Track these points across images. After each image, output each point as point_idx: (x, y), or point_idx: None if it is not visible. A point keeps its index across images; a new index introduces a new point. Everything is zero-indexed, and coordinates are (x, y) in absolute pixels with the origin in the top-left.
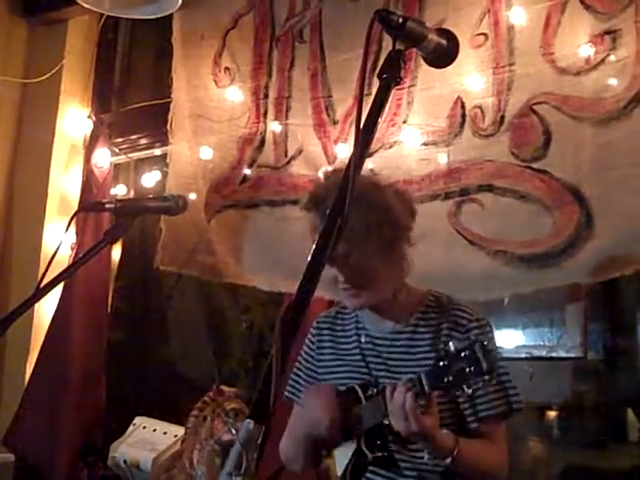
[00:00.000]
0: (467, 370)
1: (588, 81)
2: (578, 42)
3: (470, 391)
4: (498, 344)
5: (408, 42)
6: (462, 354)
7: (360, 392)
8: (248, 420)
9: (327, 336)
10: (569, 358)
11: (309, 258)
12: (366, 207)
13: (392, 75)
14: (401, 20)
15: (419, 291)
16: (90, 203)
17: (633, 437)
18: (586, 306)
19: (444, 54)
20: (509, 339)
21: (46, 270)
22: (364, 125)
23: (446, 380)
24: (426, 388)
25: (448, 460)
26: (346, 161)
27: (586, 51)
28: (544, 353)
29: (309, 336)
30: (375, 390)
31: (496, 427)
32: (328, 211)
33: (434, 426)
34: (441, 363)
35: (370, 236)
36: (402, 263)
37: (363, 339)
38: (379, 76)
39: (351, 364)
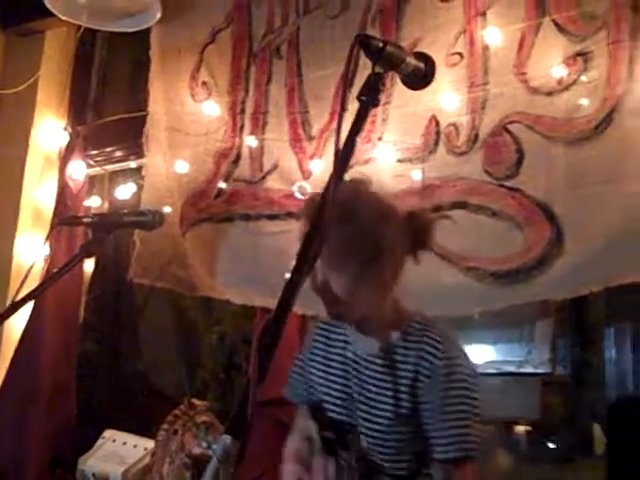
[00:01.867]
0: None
1: (560, 101)
2: (551, 63)
3: None
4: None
5: (387, 65)
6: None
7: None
8: (225, 436)
9: (322, 344)
10: (538, 374)
11: (287, 277)
12: (351, 231)
13: (370, 97)
14: (381, 45)
15: (405, 312)
16: (67, 217)
17: (599, 451)
18: (555, 322)
19: (421, 76)
20: (479, 354)
21: (21, 284)
22: (343, 145)
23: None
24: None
25: None
26: (323, 176)
27: (559, 72)
28: (513, 368)
29: (307, 341)
30: (332, 435)
31: (455, 469)
32: (305, 232)
33: None
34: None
35: (349, 261)
36: (385, 290)
37: (349, 354)
38: (358, 98)
39: (335, 380)
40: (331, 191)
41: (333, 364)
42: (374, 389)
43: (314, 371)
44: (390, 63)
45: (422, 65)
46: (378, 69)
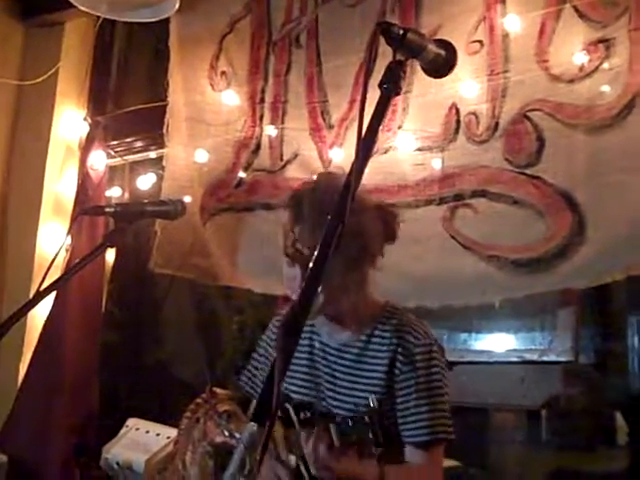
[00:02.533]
0: (367, 438)
1: (582, 89)
2: (572, 50)
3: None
4: (490, 348)
5: (408, 53)
6: (365, 419)
7: (293, 414)
8: (252, 423)
9: None
10: (560, 362)
11: (311, 264)
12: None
13: (392, 85)
14: (402, 32)
15: (377, 303)
16: (90, 207)
17: (621, 441)
18: (577, 311)
19: (442, 64)
20: (501, 343)
21: (45, 274)
22: (365, 135)
23: (351, 441)
24: (335, 443)
25: None
26: (341, 165)
27: (580, 59)
28: (535, 357)
29: (268, 332)
30: (309, 414)
31: (425, 453)
32: (329, 218)
33: (349, 470)
34: (349, 421)
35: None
36: (364, 283)
37: (317, 345)
38: (379, 86)
39: (298, 370)
40: (353, 180)
41: (298, 354)
42: (348, 378)
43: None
44: (411, 50)
45: (443, 52)
46: (399, 57)
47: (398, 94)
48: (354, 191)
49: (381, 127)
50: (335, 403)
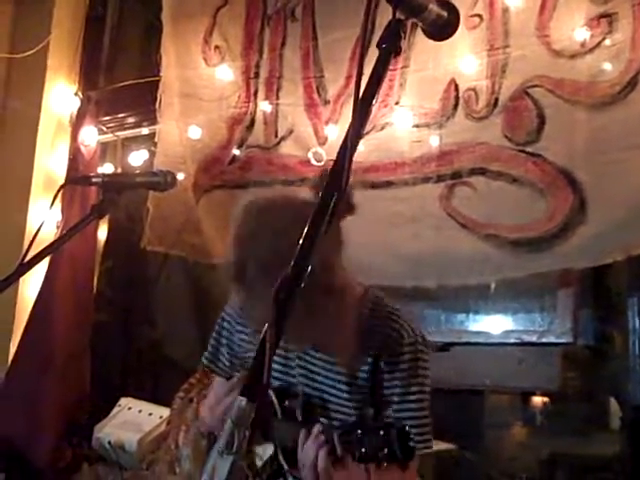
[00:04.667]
0: (380, 452)
1: (583, 65)
2: (574, 25)
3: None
4: (487, 329)
5: (408, 12)
6: (380, 432)
7: (275, 400)
8: (240, 398)
9: None
10: (559, 344)
11: (303, 235)
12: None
13: (391, 45)
14: None
15: (358, 291)
16: (77, 177)
17: (615, 425)
18: (577, 292)
19: (444, 26)
20: (499, 324)
21: (30, 245)
22: (362, 96)
23: (357, 453)
24: (338, 451)
25: None
26: (339, 142)
27: (582, 34)
28: (534, 338)
29: (233, 305)
30: (292, 402)
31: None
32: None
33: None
34: (358, 432)
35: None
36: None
37: None
38: (378, 46)
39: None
40: (349, 144)
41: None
42: (323, 364)
43: (243, 342)
44: (412, 9)
45: (445, 13)
46: (399, 15)
47: (398, 54)
48: (351, 158)
49: (380, 88)
50: (315, 393)
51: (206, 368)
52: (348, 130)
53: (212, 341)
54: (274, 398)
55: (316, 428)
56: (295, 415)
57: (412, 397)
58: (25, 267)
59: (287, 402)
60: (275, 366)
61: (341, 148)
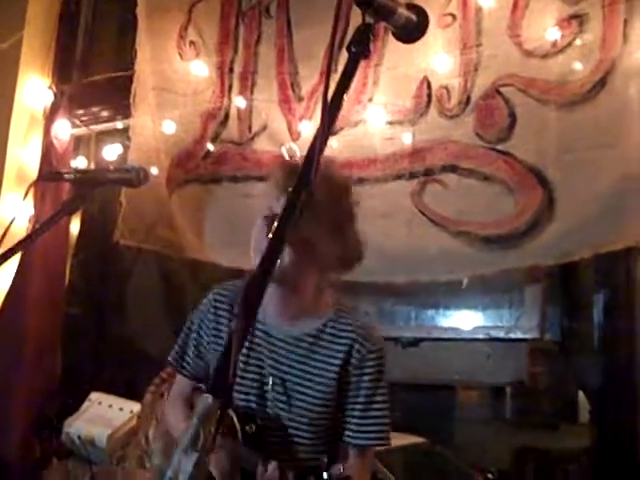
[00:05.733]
0: None
1: (554, 64)
2: (545, 25)
3: None
4: (457, 325)
5: (378, 15)
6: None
7: (237, 424)
8: (206, 395)
9: (225, 312)
10: (526, 339)
11: (271, 234)
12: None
13: (361, 48)
14: None
15: (329, 299)
16: (48, 173)
17: (584, 419)
18: (545, 288)
19: (413, 29)
20: (469, 320)
21: (1, 240)
22: (332, 97)
23: None
24: None
25: None
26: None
27: (553, 34)
28: (502, 334)
29: (204, 307)
30: (253, 427)
31: (362, 456)
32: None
33: None
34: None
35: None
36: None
37: (260, 333)
38: (348, 49)
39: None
40: (318, 145)
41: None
42: (297, 373)
43: (213, 344)
44: (381, 13)
45: (414, 17)
46: (368, 19)
47: (367, 57)
48: (319, 156)
49: (349, 91)
50: (281, 397)
51: (170, 366)
52: (316, 133)
53: (179, 340)
54: (236, 421)
55: (272, 465)
56: (254, 441)
57: (376, 398)
58: None
59: (249, 428)
60: (252, 390)
61: (310, 146)
